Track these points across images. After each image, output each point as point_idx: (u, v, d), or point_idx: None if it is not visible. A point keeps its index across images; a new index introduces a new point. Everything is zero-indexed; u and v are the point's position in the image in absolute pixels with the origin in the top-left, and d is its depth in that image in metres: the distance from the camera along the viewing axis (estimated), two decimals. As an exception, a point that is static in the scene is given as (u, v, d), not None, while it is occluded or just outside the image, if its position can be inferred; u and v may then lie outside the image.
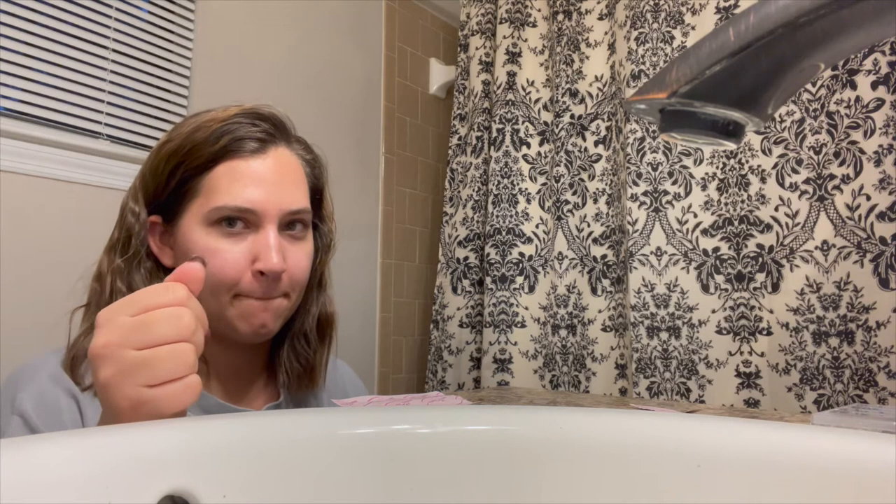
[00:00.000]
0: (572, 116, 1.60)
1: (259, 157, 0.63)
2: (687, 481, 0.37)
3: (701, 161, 1.37)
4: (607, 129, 1.55)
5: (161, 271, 0.65)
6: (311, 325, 0.70)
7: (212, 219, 0.61)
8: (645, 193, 1.40)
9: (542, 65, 1.70)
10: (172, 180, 0.63)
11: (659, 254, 1.37)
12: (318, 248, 0.70)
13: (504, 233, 1.62)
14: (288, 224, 0.64)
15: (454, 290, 1.71)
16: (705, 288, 1.33)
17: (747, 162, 1.31)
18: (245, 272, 0.61)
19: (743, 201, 1.31)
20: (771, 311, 1.26)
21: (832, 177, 1.22)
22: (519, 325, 1.59)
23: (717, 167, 1.35)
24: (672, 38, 1.42)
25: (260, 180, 0.62)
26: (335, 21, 1.68)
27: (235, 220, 0.62)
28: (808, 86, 1.25)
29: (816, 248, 1.22)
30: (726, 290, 1.31)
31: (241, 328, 0.63)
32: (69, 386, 0.59)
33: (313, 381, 0.71)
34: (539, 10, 1.71)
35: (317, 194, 0.70)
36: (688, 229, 1.36)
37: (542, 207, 1.63)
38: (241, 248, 0.62)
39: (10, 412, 0.56)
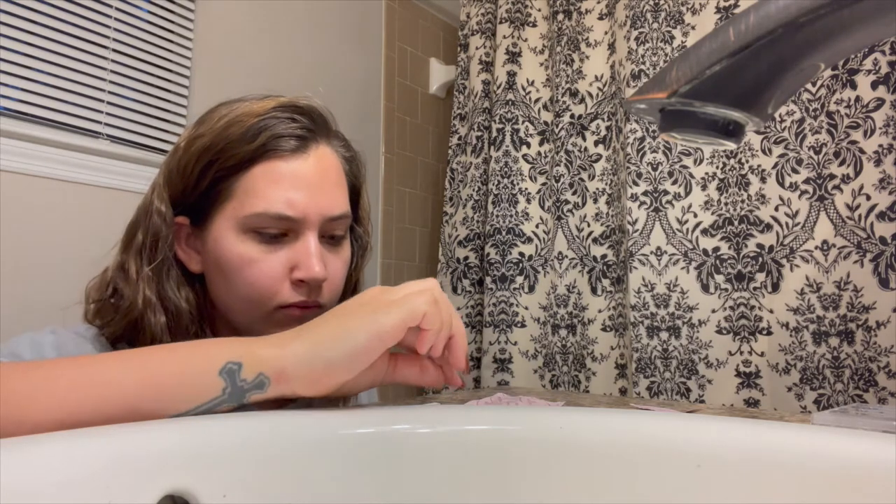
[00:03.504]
0: (572, 116, 1.60)
1: (300, 157, 0.58)
2: (687, 481, 0.37)
3: (701, 161, 1.37)
4: (607, 128, 1.55)
5: (188, 278, 0.60)
6: None
7: (248, 225, 0.56)
8: (645, 193, 1.40)
9: (542, 65, 1.69)
10: (204, 180, 0.57)
11: (659, 253, 1.37)
12: (353, 252, 0.65)
13: (504, 232, 1.62)
14: (328, 230, 0.60)
15: (454, 289, 1.71)
16: (705, 288, 1.33)
17: (747, 162, 1.31)
18: (283, 283, 0.57)
19: (743, 201, 1.31)
20: (771, 311, 1.26)
21: (832, 177, 1.22)
22: (519, 325, 1.59)
23: (717, 167, 1.35)
24: (672, 38, 1.42)
25: (301, 183, 0.57)
26: (335, 21, 1.68)
27: (273, 227, 0.57)
28: (808, 86, 1.25)
29: (816, 247, 1.22)
30: (726, 289, 1.31)
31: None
32: (74, 329, 0.58)
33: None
34: (539, 10, 1.71)
35: (354, 194, 0.65)
36: (688, 229, 1.36)
37: (542, 207, 1.63)
38: (279, 256, 0.57)
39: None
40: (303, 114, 0.60)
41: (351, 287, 0.66)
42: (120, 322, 0.58)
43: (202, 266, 0.60)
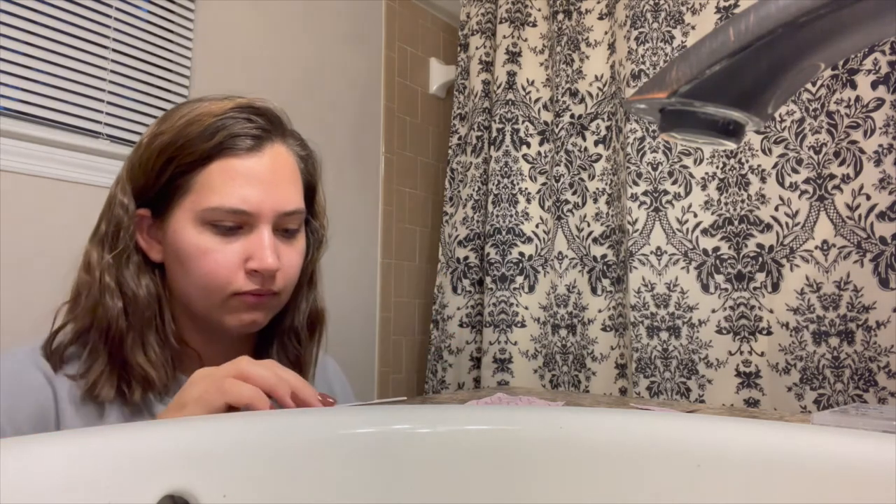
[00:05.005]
0: (572, 116, 1.60)
1: (255, 155, 0.62)
2: (687, 481, 0.37)
3: (701, 161, 1.37)
4: (607, 128, 1.55)
5: (149, 267, 0.63)
6: (301, 321, 0.69)
7: (205, 218, 0.60)
8: (645, 193, 1.40)
9: (542, 64, 1.69)
10: (163, 175, 0.61)
11: (659, 253, 1.37)
12: (309, 244, 0.69)
13: (504, 232, 1.62)
14: (282, 224, 0.63)
15: (454, 289, 1.71)
16: (705, 288, 1.33)
17: (747, 162, 1.31)
18: (238, 272, 0.61)
19: (743, 201, 1.31)
20: (771, 311, 1.26)
21: (832, 176, 1.22)
22: (519, 325, 1.59)
23: (717, 167, 1.35)
24: (672, 37, 1.42)
25: (255, 180, 0.61)
26: (335, 21, 1.68)
27: (229, 220, 0.61)
28: (808, 86, 1.25)
29: (816, 247, 1.22)
30: (726, 289, 1.31)
31: (231, 323, 0.63)
32: (45, 368, 0.60)
33: (303, 377, 0.71)
34: (539, 10, 1.71)
35: (310, 191, 0.69)
36: (688, 229, 1.36)
37: (542, 207, 1.63)
38: (234, 248, 0.61)
39: None
40: (259, 114, 0.63)
41: (307, 278, 0.70)
42: (85, 315, 0.61)
43: (162, 256, 0.64)
